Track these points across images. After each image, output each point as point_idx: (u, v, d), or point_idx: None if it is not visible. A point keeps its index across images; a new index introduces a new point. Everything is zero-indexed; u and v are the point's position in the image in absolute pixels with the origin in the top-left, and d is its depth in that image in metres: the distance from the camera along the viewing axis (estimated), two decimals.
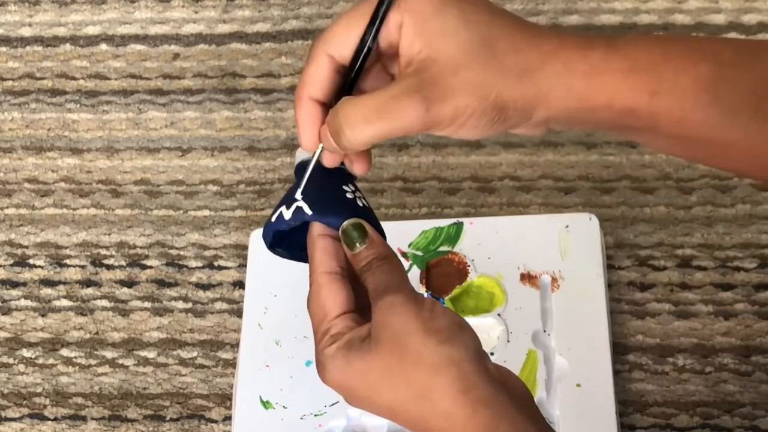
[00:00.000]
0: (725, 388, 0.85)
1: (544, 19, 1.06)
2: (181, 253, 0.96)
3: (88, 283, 0.96)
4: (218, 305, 0.93)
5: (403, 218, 0.96)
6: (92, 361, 0.92)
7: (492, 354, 0.83)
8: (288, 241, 0.65)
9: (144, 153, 1.03)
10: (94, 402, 0.90)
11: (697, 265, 0.91)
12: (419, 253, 0.88)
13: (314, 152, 0.63)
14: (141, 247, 0.97)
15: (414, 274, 0.87)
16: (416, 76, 0.59)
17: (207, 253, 0.96)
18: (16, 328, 0.94)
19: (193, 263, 0.96)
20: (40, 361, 0.92)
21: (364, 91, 0.63)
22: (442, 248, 0.89)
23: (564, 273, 0.86)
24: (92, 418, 0.89)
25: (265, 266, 0.89)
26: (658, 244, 0.92)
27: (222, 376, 0.90)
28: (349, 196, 0.63)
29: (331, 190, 0.63)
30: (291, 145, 1.01)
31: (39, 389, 0.91)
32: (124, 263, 0.96)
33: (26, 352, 0.93)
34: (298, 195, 0.63)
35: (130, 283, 0.95)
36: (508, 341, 0.84)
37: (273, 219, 0.63)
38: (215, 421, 0.88)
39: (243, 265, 0.94)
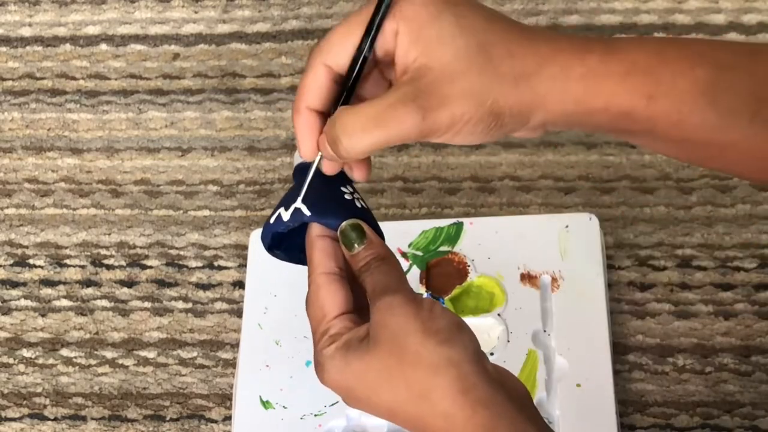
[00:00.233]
0: (725, 388, 0.85)
1: (544, 19, 1.06)
2: (181, 253, 0.96)
3: (88, 283, 0.96)
4: (218, 305, 0.93)
5: (403, 218, 0.96)
6: (92, 361, 0.92)
7: (492, 354, 0.83)
8: (286, 243, 0.65)
9: (144, 153, 1.03)
10: (94, 402, 0.90)
11: (697, 265, 0.91)
12: (419, 253, 0.88)
13: (313, 161, 0.63)
14: (141, 247, 0.97)
15: (414, 274, 0.87)
16: (412, 85, 0.59)
17: (207, 253, 0.96)
18: (16, 328, 0.94)
19: (193, 263, 0.96)
20: (40, 361, 0.92)
21: (363, 98, 0.63)
22: (442, 248, 0.89)
23: (564, 273, 0.86)
24: (92, 418, 0.89)
25: (264, 266, 0.89)
26: (658, 244, 0.92)
27: (222, 376, 0.90)
28: (347, 197, 0.63)
29: (329, 191, 0.63)
30: (291, 145, 1.01)
31: (39, 389, 0.91)
32: (124, 263, 0.96)
33: (26, 352, 0.93)
34: (299, 202, 0.63)
35: (130, 283, 0.95)
36: (508, 341, 0.84)
37: (271, 221, 0.63)
38: (215, 421, 0.88)
39: (243, 265, 0.94)
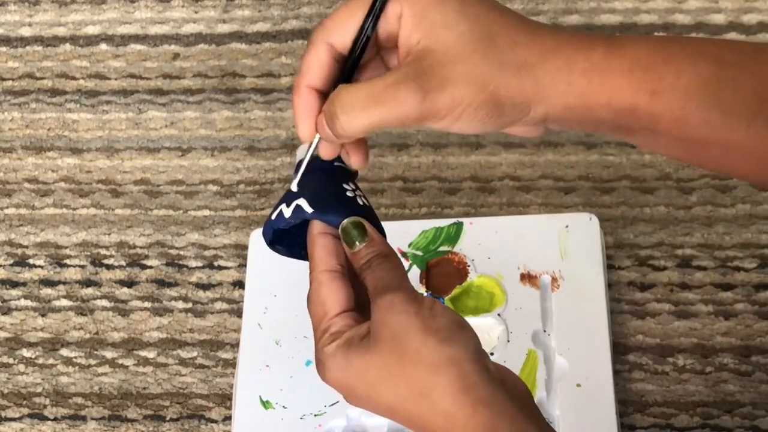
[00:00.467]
0: (725, 388, 0.85)
1: (544, 19, 1.06)
2: (181, 253, 0.96)
3: (88, 283, 0.96)
4: (218, 305, 0.93)
5: (403, 218, 0.96)
6: (92, 361, 0.92)
7: (492, 354, 0.83)
8: (288, 239, 0.65)
9: (144, 153, 1.03)
10: (94, 402, 0.90)
11: (697, 265, 0.91)
12: (419, 253, 0.88)
13: (311, 143, 0.63)
14: (141, 247, 0.97)
15: (414, 274, 0.87)
16: (414, 65, 0.59)
17: (207, 253, 0.96)
18: (16, 328, 0.94)
19: (193, 263, 0.96)
20: (40, 361, 0.92)
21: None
22: (442, 248, 0.89)
23: (564, 273, 0.86)
24: (92, 418, 0.89)
25: (265, 266, 0.89)
26: (658, 244, 0.92)
27: (222, 376, 0.90)
28: (349, 194, 0.63)
29: (331, 188, 0.63)
30: (291, 145, 1.01)
31: (39, 389, 0.91)
32: (124, 263, 0.96)
33: (26, 352, 0.93)
34: (294, 187, 0.63)
35: (130, 283, 0.95)
36: (508, 341, 0.84)
37: (273, 217, 0.63)
38: (215, 421, 0.88)
39: (243, 265, 0.94)
